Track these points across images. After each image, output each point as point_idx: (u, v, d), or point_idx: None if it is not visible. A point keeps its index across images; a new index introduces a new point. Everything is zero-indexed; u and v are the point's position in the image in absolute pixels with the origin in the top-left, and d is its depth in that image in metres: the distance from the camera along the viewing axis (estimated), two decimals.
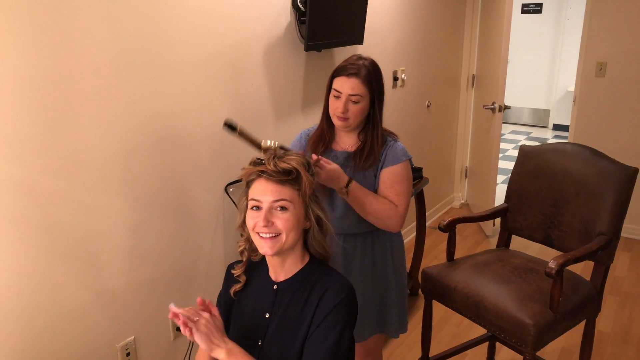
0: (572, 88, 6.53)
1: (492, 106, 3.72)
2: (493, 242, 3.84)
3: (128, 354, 1.89)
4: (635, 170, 1.94)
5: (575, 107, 4.03)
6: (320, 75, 2.60)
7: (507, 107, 3.77)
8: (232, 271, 1.35)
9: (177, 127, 1.93)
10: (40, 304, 1.61)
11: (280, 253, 1.22)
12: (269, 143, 1.50)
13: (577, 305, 1.92)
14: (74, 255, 1.67)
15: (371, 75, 1.63)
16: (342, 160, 1.71)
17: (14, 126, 1.46)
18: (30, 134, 1.50)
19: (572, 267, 1.91)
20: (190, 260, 2.09)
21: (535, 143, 2.05)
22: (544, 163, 2.18)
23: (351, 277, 1.72)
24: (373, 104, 1.66)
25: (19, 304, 1.56)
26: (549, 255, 1.98)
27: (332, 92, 1.65)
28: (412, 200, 2.90)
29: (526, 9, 7.40)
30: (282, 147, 1.55)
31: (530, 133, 7.61)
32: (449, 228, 2.16)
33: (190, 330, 1.11)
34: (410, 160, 1.72)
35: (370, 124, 1.69)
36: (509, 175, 2.36)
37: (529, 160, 2.24)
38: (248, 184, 1.23)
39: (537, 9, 7.33)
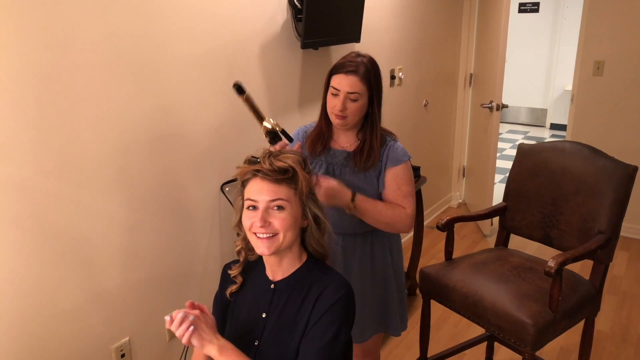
0: (569, 87, 6.53)
1: (490, 105, 3.71)
2: (491, 242, 3.83)
3: (123, 355, 1.86)
4: (635, 169, 1.93)
5: (573, 105, 4.03)
6: (317, 73, 2.58)
7: (504, 106, 3.76)
8: (229, 271, 1.33)
9: (172, 126, 1.91)
10: (34, 304, 1.58)
11: (277, 252, 1.20)
12: (272, 121, 1.50)
13: (576, 304, 1.90)
14: (68, 255, 1.65)
15: (370, 73, 1.60)
16: (342, 159, 1.69)
17: (7, 125, 1.44)
18: (24, 132, 1.48)
19: (570, 266, 1.89)
20: (186, 260, 2.07)
21: (533, 142, 2.04)
22: (543, 161, 2.17)
23: (351, 276, 1.70)
24: (372, 102, 1.64)
25: (13, 305, 1.53)
26: (548, 255, 1.97)
27: (330, 90, 1.63)
28: None
29: (523, 8, 7.40)
30: (283, 131, 1.54)
31: (527, 132, 7.61)
32: (447, 227, 2.14)
33: (186, 333, 1.09)
34: (410, 160, 1.70)
35: (369, 122, 1.67)
36: (507, 175, 2.35)
37: (528, 159, 2.23)
38: (243, 183, 1.21)
39: (534, 8, 7.33)
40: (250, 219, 1.18)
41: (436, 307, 2.29)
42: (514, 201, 2.26)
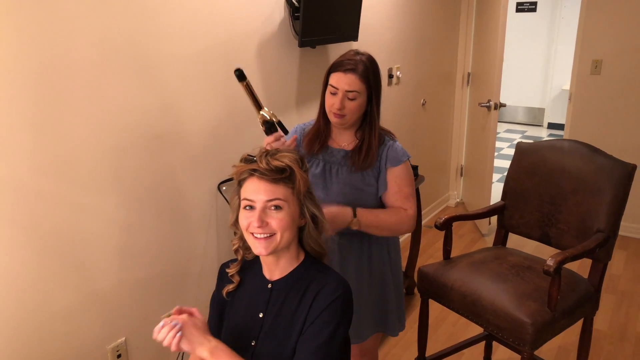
0: (566, 86, 6.53)
1: (488, 104, 3.70)
2: (489, 241, 3.83)
3: (119, 356, 1.85)
4: (634, 167, 1.92)
5: (571, 104, 4.02)
6: (315, 71, 2.57)
7: (502, 105, 3.75)
8: (227, 270, 1.32)
9: (169, 124, 1.89)
10: (29, 304, 1.57)
11: (274, 252, 1.19)
12: (269, 112, 1.50)
13: (575, 303, 1.90)
14: (64, 255, 1.63)
15: (368, 71, 1.59)
16: (339, 158, 1.68)
17: (2, 124, 1.42)
18: (19, 131, 1.46)
19: (568, 265, 1.89)
20: (183, 259, 2.06)
21: (530, 142, 2.03)
22: (541, 160, 2.16)
23: (347, 275, 1.69)
24: (370, 101, 1.63)
25: (7, 305, 1.52)
26: (546, 254, 1.96)
27: (329, 88, 1.62)
28: None
29: (521, 8, 7.40)
30: (279, 123, 1.53)
31: (525, 132, 7.61)
32: (446, 226, 2.14)
33: (173, 340, 1.09)
34: (409, 160, 1.69)
35: (368, 121, 1.65)
36: (504, 174, 2.34)
37: (526, 157, 2.22)
38: (240, 183, 1.19)
39: (532, 7, 7.33)
40: (247, 219, 1.16)
41: (434, 307, 2.28)
42: (512, 200, 2.25)
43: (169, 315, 1.15)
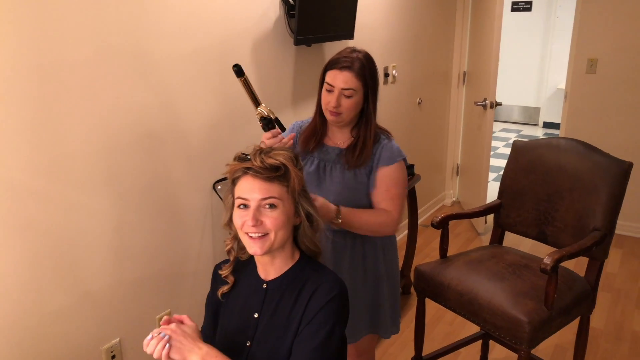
0: (561, 86, 6.54)
1: (484, 103, 3.70)
2: (485, 240, 3.82)
3: (113, 357, 1.83)
4: (630, 165, 1.92)
5: (567, 103, 4.03)
6: (310, 70, 2.56)
7: (498, 104, 3.75)
8: (220, 272, 1.30)
9: (163, 123, 1.88)
10: (21, 306, 1.55)
11: (269, 252, 1.17)
12: (267, 108, 1.49)
13: (572, 301, 1.89)
14: (57, 254, 1.62)
15: (365, 69, 1.58)
16: (334, 156, 1.67)
17: None
18: (11, 130, 1.45)
19: (564, 263, 1.88)
20: (178, 259, 2.04)
21: (527, 140, 2.03)
22: (538, 158, 2.16)
23: (341, 275, 1.67)
24: (367, 99, 1.62)
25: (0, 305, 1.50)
26: (542, 252, 1.95)
27: (325, 86, 1.61)
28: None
29: (516, 7, 7.40)
30: (277, 120, 1.52)
31: (520, 131, 7.62)
32: (442, 224, 2.13)
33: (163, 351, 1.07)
34: (405, 160, 1.66)
35: (364, 119, 1.64)
36: (500, 173, 2.34)
37: (522, 156, 2.22)
38: (234, 181, 1.18)
39: (527, 6, 7.34)
40: (241, 218, 1.15)
41: (430, 306, 2.27)
42: (508, 198, 2.25)
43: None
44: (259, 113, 1.58)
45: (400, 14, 3.38)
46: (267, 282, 1.23)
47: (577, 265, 2.67)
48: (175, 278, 2.05)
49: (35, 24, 1.46)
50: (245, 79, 1.54)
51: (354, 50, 1.61)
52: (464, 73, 4.30)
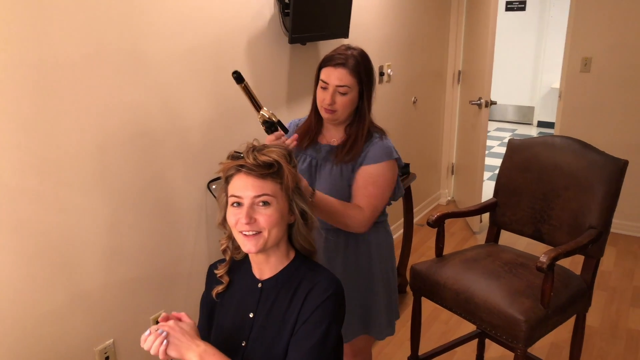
0: (556, 85, 6.56)
1: (479, 101, 3.70)
2: (480, 239, 3.83)
3: (107, 358, 1.81)
4: (625, 163, 1.92)
5: (561, 102, 4.03)
6: (305, 68, 2.55)
7: (493, 103, 3.75)
8: (215, 271, 1.29)
9: (157, 123, 1.86)
10: (11, 307, 1.53)
11: (264, 250, 1.16)
12: (269, 112, 1.47)
13: (568, 299, 1.89)
14: (49, 255, 1.60)
15: (360, 66, 1.57)
16: (324, 153, 1.65)
17: None
18: (1, 128, 1.42)
19: (560, 262, 1.87)
20: (172, 259, 2.02)
21: (522, 138, 2.03)
22: (533, 156, 2.15)
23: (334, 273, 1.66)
24: (362, 96, 1.61)
25: None
26: (538, 250, 1.95)
27: (320, 84, 1.60)
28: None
29: (510, 7, 7.42)
30: (279, 122, 1.51)
31: (515, 130, 7.64)
32: (438, 223, 2.12)
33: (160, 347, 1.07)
34: (397, 160, 1.63)
35: (357, 117, 1.63)
36: (495, 172, 2.33)
37: (518, 154, 2.21)
38: (227, 179, 1.17)
39: (521, 6, 7.36)
40: (235, 216, 1.14)
41: (426, 305, 2.26)
42: (504, 197, 2.24)
43: (157, 322, 1.13)
44: (261, 117, 1.56)
45: (396, 13, 3.37)
46: (262, 282, 1.22)
47: (572, 264, 2.67)
48: (170, 278, 2.03)
49: (28, 22, 1.44)
50: (245, 85, 1.51)
51: (348, 47, 1.60)
52: (459, 72, 4.30)
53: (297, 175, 1.20)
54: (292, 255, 1.22)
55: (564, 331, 2.55)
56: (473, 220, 3.97)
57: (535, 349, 2.53)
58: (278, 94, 2.44)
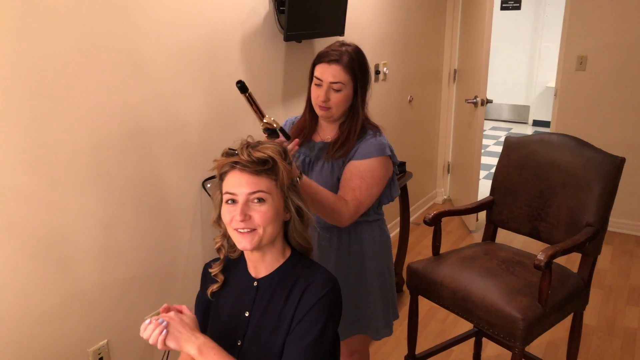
0: (551, 84, 6.57)
1: (475, 100, 3.69)
2: (476, 238, 3.82)
3: (101, 359, 1.79)
4: (622, 160, 1.91)
5: (557, 101, 4.03)
6: (301, 66, 2.53)
7: (489, 101, 3.74)
8: (210, 270, 1.28)
9: (151, 121, 1.84)
10: (3, 307, 1.50)
11: (259, 248, 1.14)
12: (271, 119, 1.46)
13: (565, 297, 1.88)
14: (42, 254, 1.57)
15: (354, 62, 1.55)
16: (317, 150, 1.63)
17: None
18: None
19: (557, 260, 1.86)
20: (167, 259, 2.00)
21: (519, 136, 2.03)
22: (530, 154, 2.14)
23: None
24: (356, 93, 1.59)
25: None
26: (534, 248, 1.94)
27: (314, 80, 1.58)
28: None
29: (505, 6, 7.43)
30: (282, 130, 1.49)
31: (510, 129, 7.65)
32: (435, 221, 2.11)
33: (159, 337, 1.06)
34: (391, 157, 1.61)
35: (351, 113, 1.61)
36: (491, 171, 2.33)
37: (515, 152, 2.20)
38: (221, 177, 1.15)
39: (516, 5, 7.36)
40: (229, 213, 1.12)
41: (423, 304, 2.25)
42: (501, 195, 2.23)
43: (157, 314, 1.11)
44: (264, 124, 1.51)
45: (391, 11, 3.36)
46: (258, 280, 1.20)
47: (569, 262, 2.67)
48: (165, 278, 2.01)
49: (20, 19, 1.41)
50: (249, 94, 1.48)
51: (343, 43, 1.59)
52: (455, 71, 4.29)
53: (292, 171, 1.18)
54: (288, 253, 1.21)
55: (561, 330, 2.55)
56: (469, 219, 3.97)
57: (532, 348, 2.53)
58: (273, 92, 2.42)
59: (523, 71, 7.60)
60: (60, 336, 1.67)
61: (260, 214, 1.10)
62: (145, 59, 1.78)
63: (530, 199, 2.13)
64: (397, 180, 1.80)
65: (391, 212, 3.43)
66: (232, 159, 1.12)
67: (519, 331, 1.73)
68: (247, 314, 1.19)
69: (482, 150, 4.67)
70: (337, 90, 1.54)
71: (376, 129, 1.64)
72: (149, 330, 1.06)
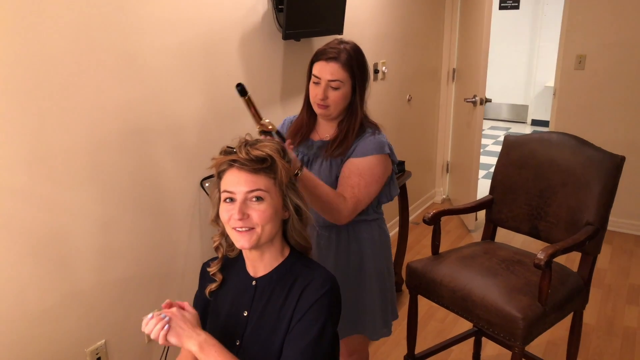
0: (550, 83, 6.57)
1: (473, 99, 3.69)
2: (476, 237, 3.81)
3: (98, 359, 1.78)
4: (622, 159, 1.90)
5: (556, 100, 4.03)
6: (299, 65, 2.52)
7: (488, 100, 3.74)
8: (208, 269, 1.27)
9: (148, 118, 1.83)
10: (2, 306, 1.49)
11: (258, 246, 1.14)
12: (267, 122, 1.43)
13: (565, 297, 1.87)
14: (39, 254, 1.56)
15: (352, 60, 1.54)
16: (315, 149, 1.62)
17: None
18: None
19: (556, 259, 1.86)
20: (165, 258, 1.99)
21: (518, 134, 2.03)
22: (530, 153, 2.14)
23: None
24: (355, 91, 1.58)
25: None
26: (533, 248, 1.93)
27: (312, 78, 1.57)
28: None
29: (504, 5, 7.42)
30: (278, 132, 1.48)
31: (509, 129, 7.64)
32: (434, 220, 2.10)
33: (161, 332, 1.05)
34: (390, 155, 1.60)
35: (349, 112, 1.60)
36: (490, 171, 2.32)
37: (514, 151, 2.20)
38: (219, 175, 1.14)
39: (515, 4, 7.36)
40: (227, 212, 1.11)
41: (422, 303, 2.25)
42: (500, 194, 2.23)
43: (159, 310, 1.11)
44: (260, 127, 1.48)
45: (390, 10, 3.35)
46: (257, 279, 1.19)
47: (568, 261, 2.66)
48: (162, 277, 2.00)
49: (17, 16, 1.40)
50: (248, 97, 1.45)
51: (341, 41, 1.58)
52: (454, 70, 4.28)
53: (290, 169, 1.17)
54: (286, 252, 1.20)
55: (561, 329, 2.55)
56: (468, 218, 3.96)
57: (531, 347, 2.52)
58: (272, 91, 2.41)
59: (521, 71, 7.60)
60: (58, 336, 1.65)
61: (258, 212, 1.09)
62: (144, 58, 1.77)
63: (530, 198, 2.12)
64: (396, 179, 1.79)
65: (390, 211, 3.42)
66: (230, 157, 1.11)
67: (519, 330, 1.72)
68: (245, 314, 1.18)
69: (481, 150, 4.66)
70: (336, 89, 1.53)
71: (375, 127, 1.63)
72: (151, 325, 1.05)
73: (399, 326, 2.61)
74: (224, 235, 1.21)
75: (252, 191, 1.09)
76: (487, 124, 7.78)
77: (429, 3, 3.87)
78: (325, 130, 1.65)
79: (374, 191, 1.59)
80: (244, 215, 1.09)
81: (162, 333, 1.04)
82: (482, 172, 5.08)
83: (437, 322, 2.79)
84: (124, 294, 1.84)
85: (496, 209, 2.24)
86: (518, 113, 7.91)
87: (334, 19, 2.58)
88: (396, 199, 2.93)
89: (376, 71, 3.28)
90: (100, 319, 1.78)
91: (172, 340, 1.05)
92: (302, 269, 1.16)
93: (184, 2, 1.88)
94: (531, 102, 7.70)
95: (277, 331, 1.12)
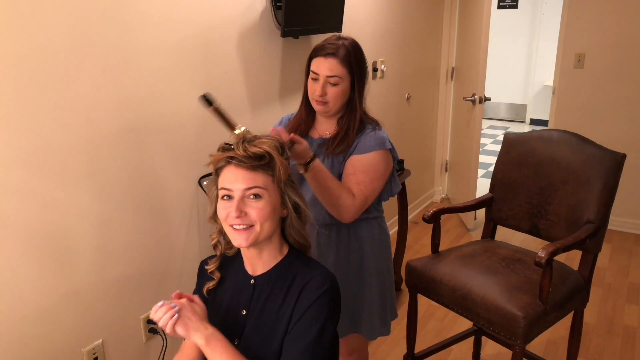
0: (548, 82, 6.56)
1: (473, 98, 3.67)
2: (474, 236, 3.80)
3: (96, 359, 1.76)
4: (623, 156, 1.89)
5: (555, 98, 4.02)
6: (298, 62, 2.50)
7: (487, 99, 3.73)
8: (206, 267, 1.25)
9: (145, 116, 1.81)
10: None
11: (256, 244, 1.12)
12: (242, 129, 1.37)
13: (566, 295, 1.86)
14: (36, 253, 1.54)
15: (351, 56, 1.53)
16: (316, 147, 1.61)
17: None
18: None
19: (557, 257, 1.84)
20: (163, 257, 1.98)
21: (518, 132, 2.02)
22: (530, 151, 2.12)
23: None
24: (354, 87, 1.56)
25: None
26: (533, 246, 1.92)
27: (310, 75, 1.56)
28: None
29: (502, 4, 7.42)
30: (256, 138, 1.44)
31: (507, 128, 7.64)
32: (434, 219, 2.09)
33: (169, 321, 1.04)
34: (391, 151, 1.59)
35: (348, 108, 1.58)
36: (489, 170, 2.30)
37: (514, 149, 2.18)
38: (217, 172, 1.13)
39: (513, 4, 7.36)
40: (225, 210, 1.10)
41: (421, 302, 2.23)
42: (500, 192, 2.21)
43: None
44: (235, 136, 1.33)
45: (389, 8, 3.34)
46: (255, 278, 1.18)
47: (568, 260, 2.65)
48: (160, 276, 1.98)
49: (12, 11, 1.38)
50: (215, 107, 1.36)
51: (339, 37, 1.56)
52: (452, 69, 4.27)
53: (289, 167, 1.16)
54: (285, 250, 1.18)
55: (561, 328, 2.53)
56: (467, 217, 3.95)
57: (532, 346, 2.51)
58: (270, 89, 2.40)
59: (520, 70, 7.60)
60: (55, 336, 1.64)
61: (256, 210, 1.08)
62: (141, 56, 1.75)
63: (530, 196, 2.11)
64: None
65: (389, 210, 3.41)
66: (227, 154, 1.10)
67: (519, 329, 1.71)
68: (244, 312, 1.17)
69: (480, 149, 4.65)
70: (334, 84, 1.52)
71: (375, 123, 1.62)
72: (160, 313, 1.05)
73: (399, 325, 2.60)
74: (222, 232, 1.20)
75: (249, 188, 1.08)
76: (485, 124, 7.77)
77: (428, 1, 3.86)
78: (324, 128, 1.64)
79: (378, 187, 1.58)
80: (241, 213, 1.07)
81: (171, 322, 1.04)
82: (481, 172, 5.07)
83: (437, 321, 2.78)
84: (121, 293, 1.83)
85: (496, 207, 2.23)
86: (516, 112, 7.91)
87: (333, 17, 2.57)
88: (395, 197, 2.92)
89: (375, 69, 3.27)
90: (98, 318, 1.76)
91: (179, 330, 1.05)
92: (301, 268, 1.14)
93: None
94: (530, 101, 7.69)
95: (276, 330, 1.11)
